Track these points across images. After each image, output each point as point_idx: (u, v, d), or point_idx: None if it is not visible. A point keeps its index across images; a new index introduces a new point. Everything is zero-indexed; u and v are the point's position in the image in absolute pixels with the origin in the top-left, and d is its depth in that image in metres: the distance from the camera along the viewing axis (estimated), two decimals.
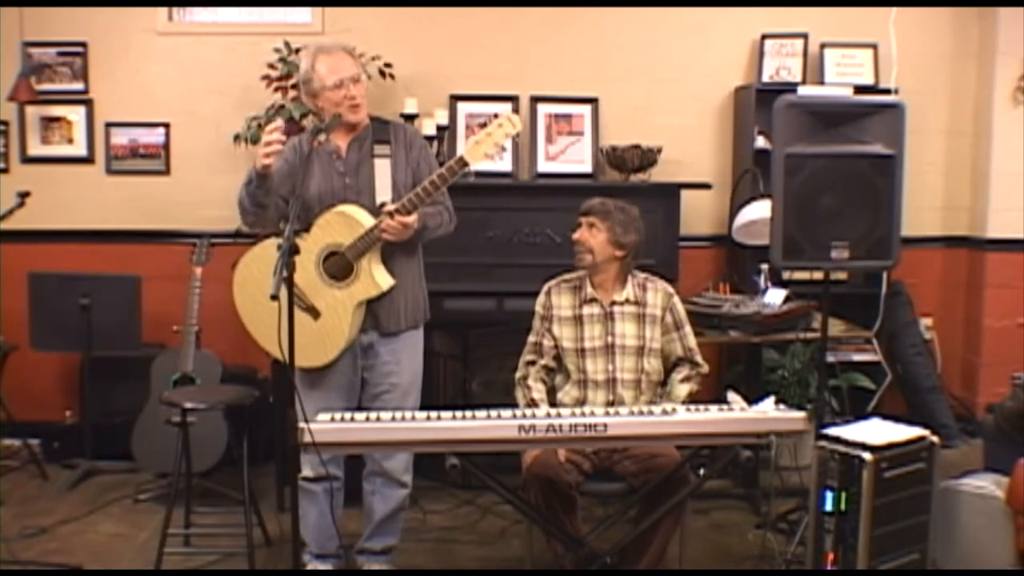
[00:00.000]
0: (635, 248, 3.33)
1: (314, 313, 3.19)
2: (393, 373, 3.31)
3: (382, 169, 3.24)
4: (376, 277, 3.19)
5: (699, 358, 3.41)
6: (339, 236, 3.16)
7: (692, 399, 3.29)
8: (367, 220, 3.15)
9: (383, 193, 3.21)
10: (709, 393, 4.67)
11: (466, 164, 3.09)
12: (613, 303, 3.32)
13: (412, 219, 3.12)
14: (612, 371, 3.30)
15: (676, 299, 3.41)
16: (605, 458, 3.26)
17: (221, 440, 4.20)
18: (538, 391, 3.33)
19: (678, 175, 4.82)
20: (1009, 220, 5.08)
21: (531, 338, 3.40)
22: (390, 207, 3.12)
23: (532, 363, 3.38)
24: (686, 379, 3.37)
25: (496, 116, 3.15)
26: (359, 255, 3.15)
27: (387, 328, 3.29)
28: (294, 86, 4.63)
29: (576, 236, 3.33)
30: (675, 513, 3.13)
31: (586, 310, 3.33)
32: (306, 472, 3.22)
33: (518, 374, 3.40)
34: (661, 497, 3.05)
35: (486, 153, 3.08)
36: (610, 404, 3.26)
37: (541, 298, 3.40)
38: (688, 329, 3.42)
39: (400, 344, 3.32)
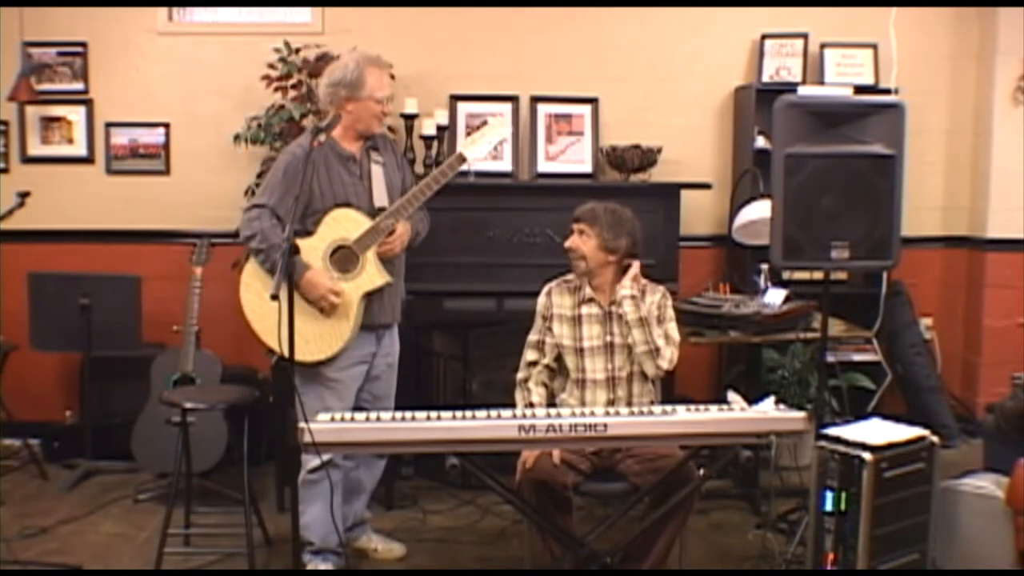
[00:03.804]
0: (627, 251, 3.31)
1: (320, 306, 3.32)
2: (389, 355, 3.60)
3: (377, 175, 3.47)
4: (380, 270, 3.37)
5: (668, 353, 3.28)
6: (345, 231, 3.33)
7: (656, 352, 3.25)
8: (364, 219, 3.36)
9: (381, 198, 3.43)
10: (708, 393, 4.69)
11: (464, 160, 3.38)
12: (612, 303, 3.33)
13: (404, 230, 3.41)
14: (611, 370, 3.31)
15: (669, 300, 3.41)
16: (607, 458, 3.26)
17: (221, 440, 4.20)
18: (538, 395, 3.34)
19: (678, 175, 4.82)
20: (1009, 220, 5.08)
21: (532, 336, 3.41)
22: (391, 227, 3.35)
23: (534, 363, 3.38)
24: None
25: (487, 121, 3.50)
26: (365, 248, 3.33)
27: (395, 318, 3.58)
28: (294, 86, 4.64)
29: (568, 244, 3.34)
30: (682, 512, 3.14)
31: (584, 310, 3.34)
32: (314, 463, 3.27)
33: (520, 375, 3.40)
34: (668, 495, 3.05)
35: (483, 151, 3.41)
36: (610, 403, 3.28)
37: (541, 299, 3.41)
38: (672, 328, 3.33)
39: (394, 330, 3.63)
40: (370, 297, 3.39)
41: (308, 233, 3.33)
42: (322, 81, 3.48)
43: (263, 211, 3.34)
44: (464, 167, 3.42)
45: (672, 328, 3.37)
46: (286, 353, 3.21)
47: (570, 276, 3.42)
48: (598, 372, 3.31)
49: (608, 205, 3.35)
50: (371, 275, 3.35)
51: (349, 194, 3.39)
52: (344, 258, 3.34)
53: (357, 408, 3.44)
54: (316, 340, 3.29)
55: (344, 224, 3.34)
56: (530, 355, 3.40)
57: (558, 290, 3.40)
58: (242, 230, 3.37)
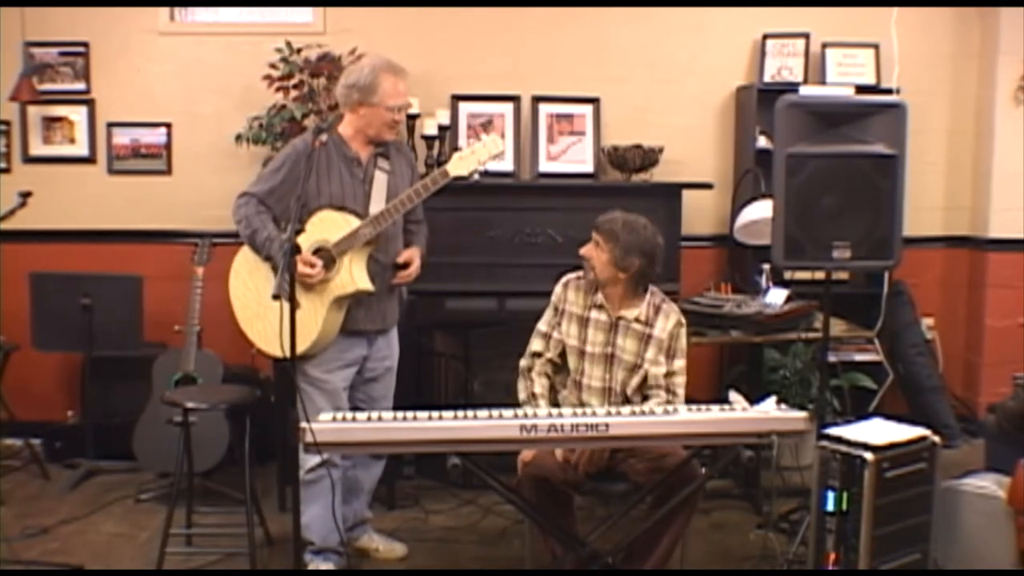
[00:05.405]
0: (639, 271, 3.20)
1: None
2: (387, 358, 3.62)
3: (380, 182, 3.45)
4: (355, 275, 3.34)
5: (679, 392, 3.27)
6: (328, 233, 3.33)
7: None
8: (354, 222, 3.34)
9: (378, 206, 3.40)
10: (710, 393, 4.69)
11: (448, 176, 3.35)
12: (620, 318, 3.27)
13: (415, 267, 3.51)
14: (608, 380, 3.27)
15: (683, 330, 3.31)
16: (609, 457, 3.25)
17: (222, 440, 4.20)
18: (540, 385, 3.32)
19: (679, 175, 4.82)
20: (1010, 220, 5.08)
21: (542, 326, 3.36)
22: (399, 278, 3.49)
23: (538, 354, 3.35)
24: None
25: (480, 135, 3.46)
26: (342, 252, 3.31)
27: (386, 325, 3.58)
28: (296, 86, 4.64)
29: (583, 251, 3.27)
30: (685, 511, 3.12)
31: (593, 314, 3.29)
32: (312, 462, 3.28)
33: (523, 363, 3.37)
34: (671, 495, 3.04)
35: (469, 169, 3.37)
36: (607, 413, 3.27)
37: (557, 289, 3.37)
38: (680, 365, 3.28)
39: (392, 333, 3.65)
40: (354, 302, 3.39)
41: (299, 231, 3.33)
42: (340, 81, 3.48)
43: (250, 199, 3.40)
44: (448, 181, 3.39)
45: (680, 366, 3.27)
46: (257, 343, 3.43)
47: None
48: (595, 380, 3.28)
49: (630, 219, 3.22)
50: (343, 280, 3.32)
51: (346, 195, 3.38)
52: (323, 260, 3.32)
53: (353, 409, 3.44)
54: (280, 337, 3.15)
55: (328, 226, 3.33)
56: (536, 345, 3.36)
57: (574, 285, 3.34)
58: (232, 217, 3.44)
